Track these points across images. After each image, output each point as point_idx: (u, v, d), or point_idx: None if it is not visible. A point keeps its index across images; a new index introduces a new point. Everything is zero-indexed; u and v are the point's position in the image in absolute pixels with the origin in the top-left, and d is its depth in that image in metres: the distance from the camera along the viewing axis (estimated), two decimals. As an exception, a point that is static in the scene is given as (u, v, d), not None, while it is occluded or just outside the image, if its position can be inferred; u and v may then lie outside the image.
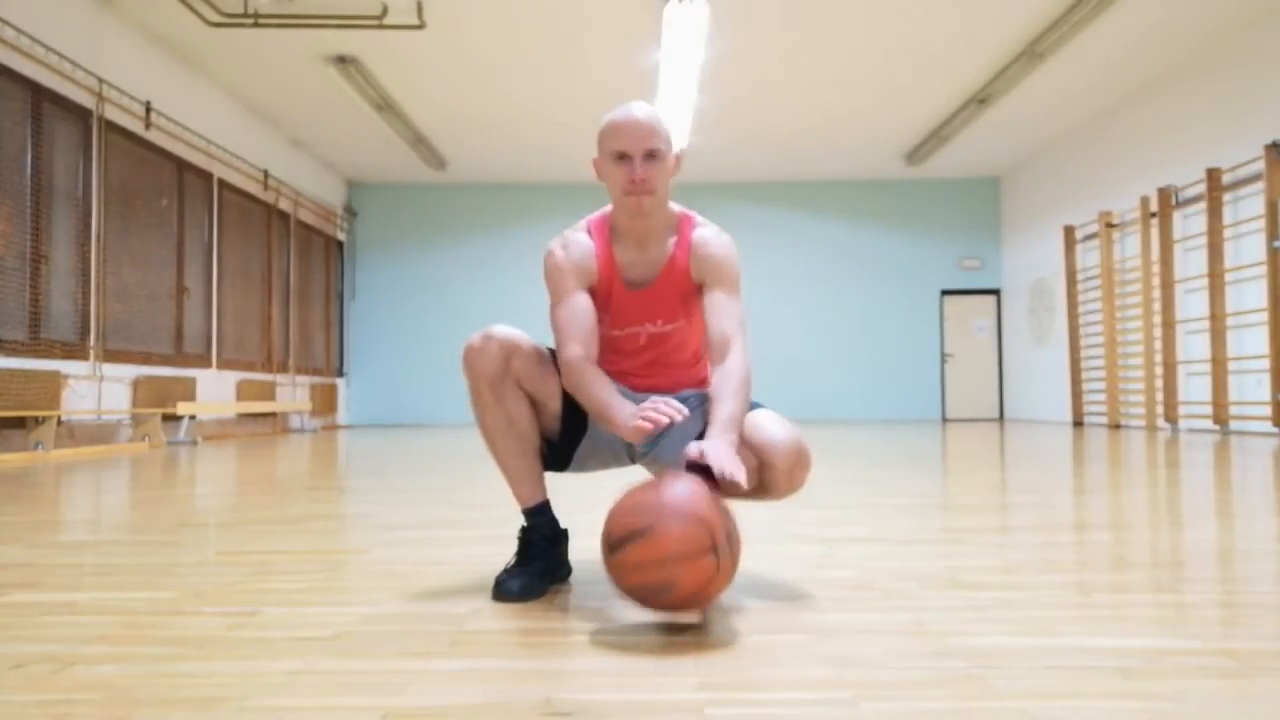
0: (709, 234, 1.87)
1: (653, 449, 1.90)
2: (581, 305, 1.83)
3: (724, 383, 1.70)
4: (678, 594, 1.42)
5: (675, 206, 1.90)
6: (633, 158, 1.76)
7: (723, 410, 1.66)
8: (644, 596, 1.44)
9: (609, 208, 1.90)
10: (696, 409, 1.88)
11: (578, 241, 1.87)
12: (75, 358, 7.15)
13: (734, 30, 8.44)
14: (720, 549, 1.43)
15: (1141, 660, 1.31)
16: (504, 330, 1.79)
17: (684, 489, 1.47)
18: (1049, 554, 2.19)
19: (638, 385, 1.92)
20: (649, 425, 1.56)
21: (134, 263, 8.07)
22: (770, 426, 1.72)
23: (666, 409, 1.58)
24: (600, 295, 1.86)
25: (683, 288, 1.86)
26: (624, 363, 1.92)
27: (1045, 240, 12.60)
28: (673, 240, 1.86)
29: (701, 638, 1.45)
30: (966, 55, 9.09)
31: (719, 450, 1.54)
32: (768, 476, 1.71)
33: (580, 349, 1.77)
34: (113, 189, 7.74)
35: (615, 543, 1.45)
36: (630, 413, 1.64)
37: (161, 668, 1.32)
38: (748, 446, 1.71)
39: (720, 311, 1.80)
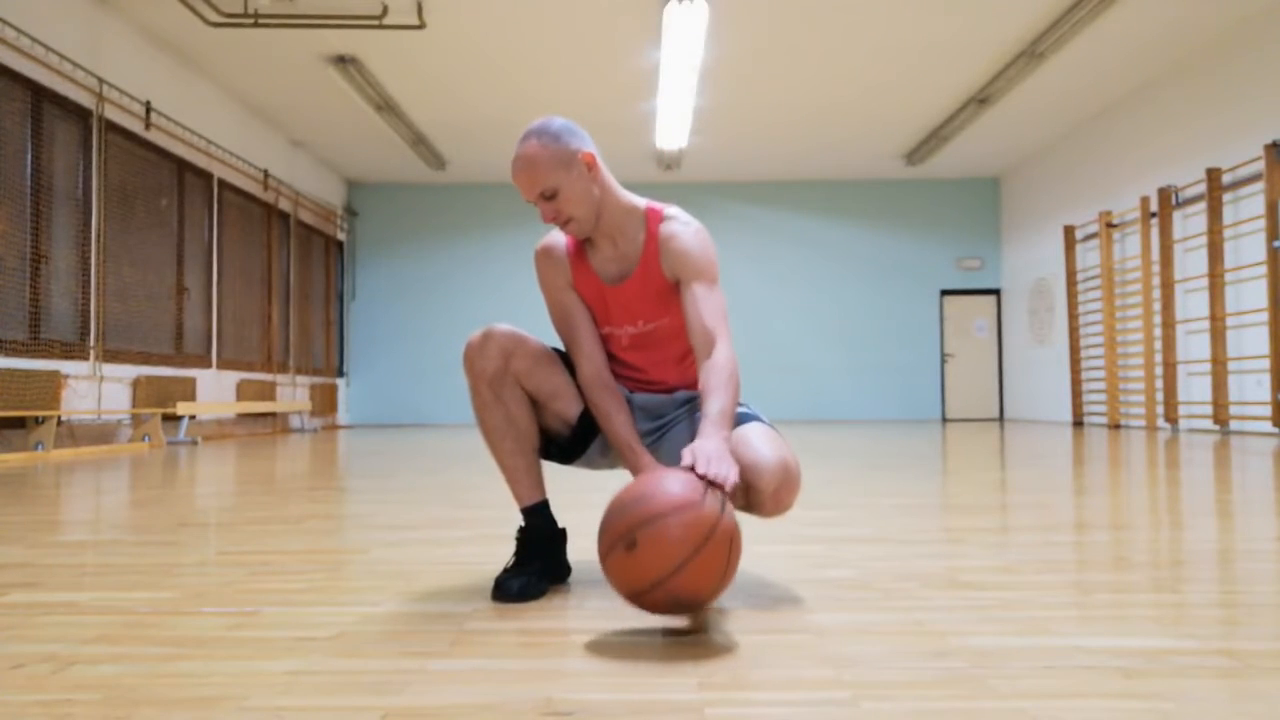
0: (677, 226, 1.80)
1: (659, 450, 1.90)
2: (572, 312, 1.84)
3: (711, 377, 1.67)
4: (676, 599, 1.41)
5: (639, 201, 1.84)
6: (534, 202, 1.76)
7: (712, 406, 1.62)
8: (642, 603, 1.43)
9: None
10: (693, 411, 1.88)
11: (554, 243, 1.89)
12: (75, 358, 7.15)
13: (734, 30, 8.44)
14: (651, 533, 1.39)
15: (1141, 660, 1.31)
16: (504, 329, 1.78)
17: (674, 489, 1.43)
18: (1049, 554, 2.19)
19: (633, 386, 1.92)
20: None
21: (134, 263, 8.06)
22: (757, 446, 1.66)
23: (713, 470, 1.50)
24: (581, 295, 1.87)
25: (658, 285, 1.81)
26: (613, 363, 1.91)
27: (1045, 240, 12.59)
28: (642, 236, 1.82)
29: (701, 638, 1.45)
30: (966, 55, 9.09)
31: (707, 450, 1.51)
32: (753, 498, 1.65)
33: (589, 365, 1.82)
34: (113, 189, 7.74)
35: (606, 550, 1.43)
36: (648, 466, 1.69)
37: (161, 668, 1.32)
38: None
39: (700, 305, 1.74)
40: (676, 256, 1.78)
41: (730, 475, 1.48)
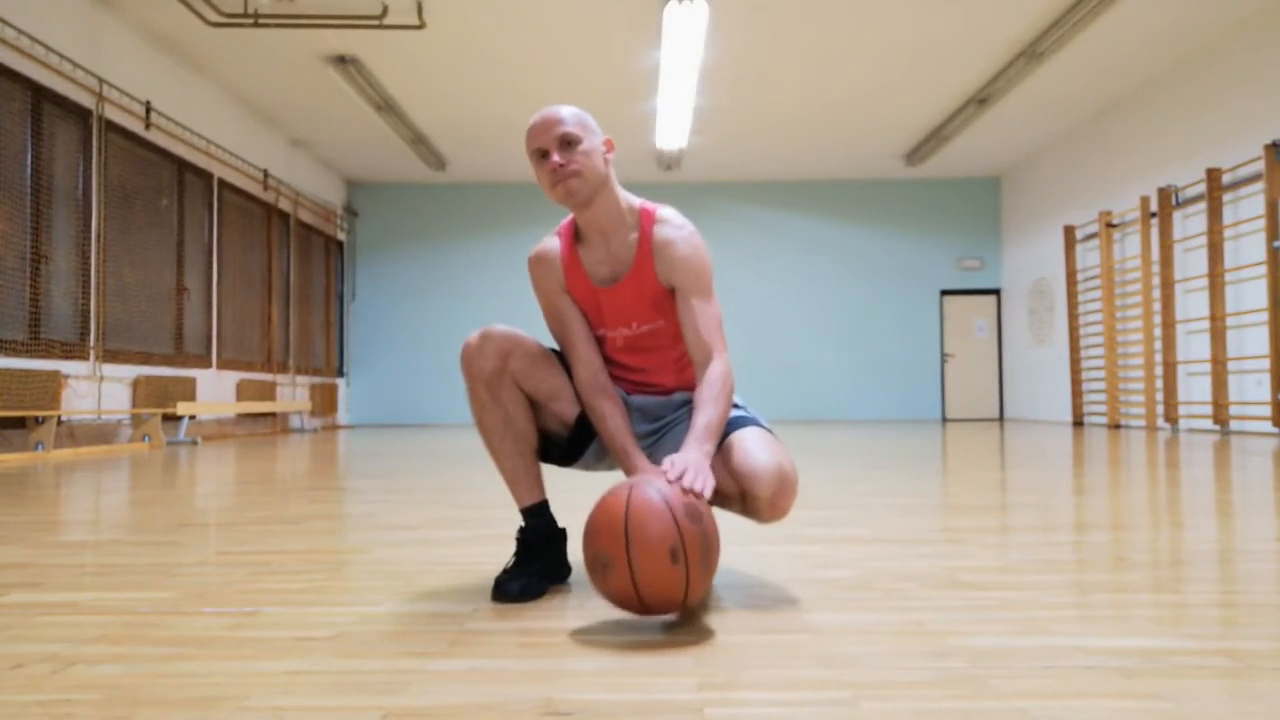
0: (671, 232, 1.79)
1: (656, 452, 1.90)
2: (566, 316, 1.85)
3: (703, 390, 1.71)
4: (648, 606, 1.47)
5: (634, 199, 1.84)
6: (549, 150, 1.74)
7: (699, 419, 1.66)
8: (619, 605, 1.49)
9: None
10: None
11: (548, 246, 1.87)
12: (75, 358, 7.15)
13: (734, 30, 8.44)
14: (688, 559, 1.45)
15: (1141, 660, 1.31)
16: (502, 329, 1.78)
17: (652, 499, 1.48)
18: (1049, 554, 2.19)
19: (631, 388, 1.91)
20: None
21: (134, 263, 8.06)
22: (754, 452, 1.67)
23: (688, 480, 1.54)
24: (574, 298, 1.86)
25: (652, 289, 1.80)
26: (611, 365, 1.91)
27: (1045, 240, 12.59)
28: (635, 236, 1.81)
29: (701, 638, 1.45)
30: (966, 55, 9.09)
31: (685, 461, 1.55)
32: (750, 504, 1.67)
33: (584, 369, 1.82)
34: (113, 189, 7.74)
35: (590, 562, 1.49)
36: (644, 469, 1.70)
37: (161, 668, 1.32)
38: (730, 473, 1.68)
39: (696, 317, 1.76)
40: (672, 264, 1.78)
41: (706, 488, 1.53)
